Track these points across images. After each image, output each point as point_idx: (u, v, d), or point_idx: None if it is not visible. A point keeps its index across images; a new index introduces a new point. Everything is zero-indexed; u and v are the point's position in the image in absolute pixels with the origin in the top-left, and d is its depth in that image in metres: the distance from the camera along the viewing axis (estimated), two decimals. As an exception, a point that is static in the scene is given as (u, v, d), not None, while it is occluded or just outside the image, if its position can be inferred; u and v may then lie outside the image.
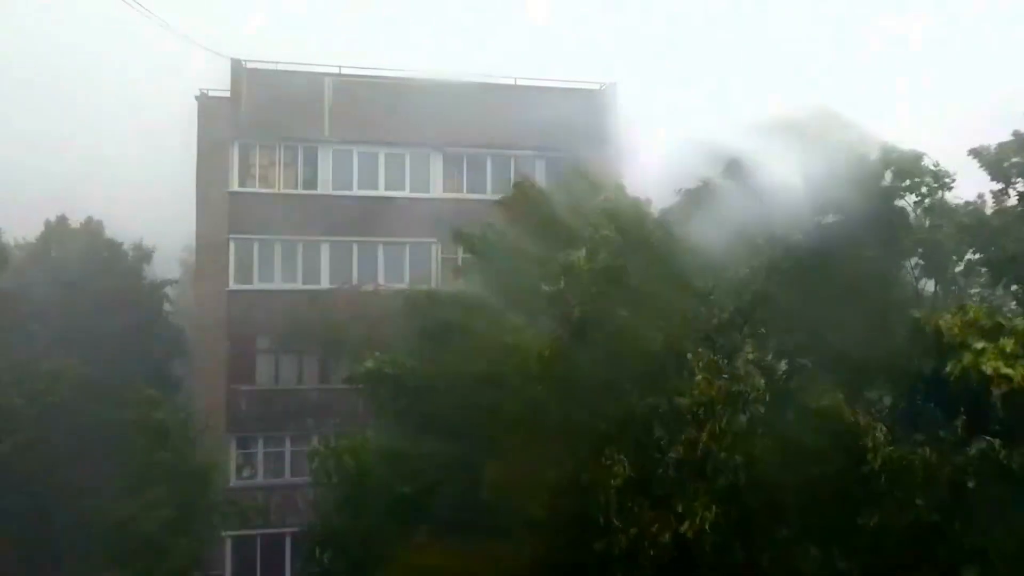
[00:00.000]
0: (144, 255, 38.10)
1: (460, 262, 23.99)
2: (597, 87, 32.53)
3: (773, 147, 17.44)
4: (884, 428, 12.75)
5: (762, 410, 13.44)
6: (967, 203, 19.66)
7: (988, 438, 12.01)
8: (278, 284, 29.65)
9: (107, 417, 27.71)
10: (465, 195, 30.82)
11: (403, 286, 28.23)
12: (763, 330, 15.76)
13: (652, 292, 14.88)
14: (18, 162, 42.14)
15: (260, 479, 29.30)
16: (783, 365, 15.59)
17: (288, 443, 29.20)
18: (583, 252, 14.87)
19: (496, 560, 13.76)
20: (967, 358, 11.77)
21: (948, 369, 11.99)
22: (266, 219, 29.53)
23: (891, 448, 12.49)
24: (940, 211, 19.07)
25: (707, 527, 12.26)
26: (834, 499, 12.86)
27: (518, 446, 14.17)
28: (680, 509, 12.46)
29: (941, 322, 12.63)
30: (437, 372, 17.29)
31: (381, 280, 29.53)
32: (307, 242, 29.92)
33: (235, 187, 29.94)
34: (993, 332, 12.15)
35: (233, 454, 29.17)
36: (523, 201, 18.95)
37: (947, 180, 19.04)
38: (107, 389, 29.34)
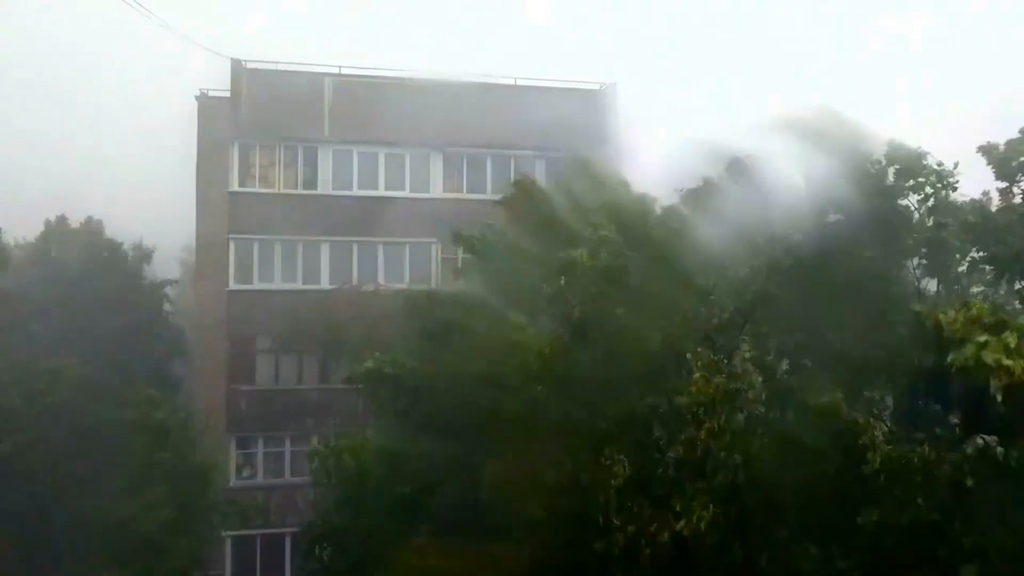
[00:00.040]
0: (144, 255, 38.13)
1: (460, 262, 23.99)
2: (597, 87, 32.54)
3: (774, 146, 17.43)
4: (883, 426, 12.75)
5: (761, 409, 13.43)
6: (973, 200, 19.63)
7: (984, 436, 11.99)
8: (278, 284, 29.64)
9: (107, 417, 27.73)
10: (465, 195, 30.82)
11: (403, 286, 28.25)
12: (764, 329, 15.75)
13: (653, 291, 14.88)
14: (18, 162, 42.19)
15: (260, 479, 29.30)
16: (784, 364, 15.58)
17: (288, 443, 29.20)
18: (584, 251, 14.85)
19: (496, 560, 13.75)
20: (969, 350, 11.74)
21: (950, 359, 11.96)
22: (266, 219, 29.54)
23: (890, 447, 12.48)
24: (944, 210, 19.01)
25: (705, 526, 12.24)
26: (833, 498, 12.85)
27: (518, 446, 14.17)
28: (678, 508, 12.45)
29: (942, 316, 12.62)
30: (437, 372, 17.28)
31: (381, 280, 29.53)
32: (307, 242, 29.91)
33: (235, 187, 29.94)
34: (996, 328, 12.13)
35: (233, 454, 29.17)
36: (524, 199, 18.93)
37: (950, 180, 19.01)
38: (107, 389, 29.36)
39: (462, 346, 16.71)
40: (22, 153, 44.53)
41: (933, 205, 18.99)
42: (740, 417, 12.98)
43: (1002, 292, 18.85)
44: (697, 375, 13.06)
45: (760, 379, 13.13)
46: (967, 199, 19.61)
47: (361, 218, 29.90)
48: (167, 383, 32.51)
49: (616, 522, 12.75)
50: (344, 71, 30.73)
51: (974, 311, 12.46)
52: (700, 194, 17.42)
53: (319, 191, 30.32)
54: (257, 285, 29.55)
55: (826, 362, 14.99)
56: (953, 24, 70.04)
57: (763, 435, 13.18)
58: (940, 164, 19.00)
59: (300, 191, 30.36)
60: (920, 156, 18.84)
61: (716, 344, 14.62)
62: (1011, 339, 11.73)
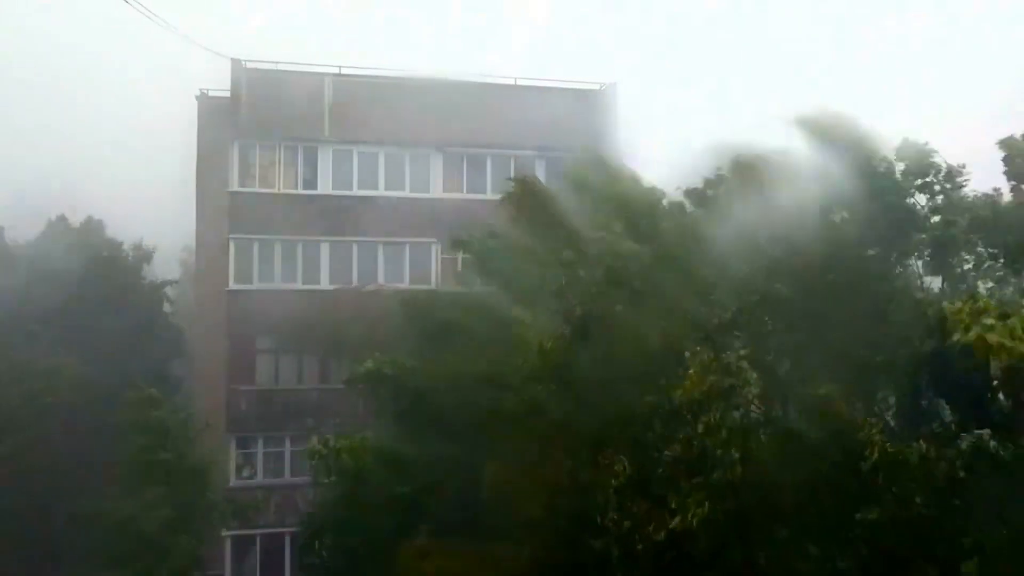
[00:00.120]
0: (144, 255, 38.06)
1: (460, 263, 24.00)
2: (597, 87, 32.55)
3: (777, 145, 17.38)
4: (880, 423, 12.75)
5: (758, 406, 13.43)
6: (985, 195, 19.60)
7: (978, 431, 12.04)
8: (278, 284, 29.64)
9: (107, 417, 27.68)
10: (465, 195, 30.83)
11: (403, 286, 28.29)
12: (766, 328, 15.74)
13: (657, 289, 14.87)
14: (18, 162, 42.14)
15: (260, 479, 29.31)
16: (786, 364, 15.56)
17: (288, 443, 29.20)
18: (588, 248, 14.87)
19: (496, 560, 13.76)
20: (972, 331, 11.81)
21: (954, 339, 11.99)
22: (266, 219, 29.55)
23: (887, 443, 12.49)
24: (953, 207, 18.94)
25: (700, 522, 12.23)
26: (832, 495, 12.86)
27: (518, 446, 14.18)
28: (674, 505, 12.44)
29: (948, 306, 12.66)
30: (437, 372, 17.29)
31: (381, 280, 29.53)
32: (307, 242, 29.92)
33: (235, 187, 29.95)
34: (1002, 317, 12.17)
35: (233, 454, 29.19)
36: (527, 196, 18.91)
37: (958, 179, 18.95)
38: (107, 389, 29.29)
39: (462, 346, 16.73)
40: (22, 152, 44.53)
41: (942, 203, 18.92)
42: (736, 415, 12.96)
43: (1009, 291, 18.80)
44: (691, 370, 13.05)
45: (755, 376, 13.09)
46: (983, 192, 19.57)
47: (361, 218, 29.93)
48: (167, 383, 32.43)
49: (614, 516, 12.74)
50: (344, 71, 30.75)
51: (980, 304, 12.50)
52: (703, 192, 17.40)
53: (319, 191, 30.34)
54: (257, 285, 29.56)
55: (827, 361, 14.97)
56: (953, 24, 70.07)
57: (760, 432, 13.18)
58: (953, 166, 18.95)
59: (300, 191, 30.38)
60: (929, 154, 18.76)
61: (716, 343, 14.61)
62: (1017, 325, 11.79)
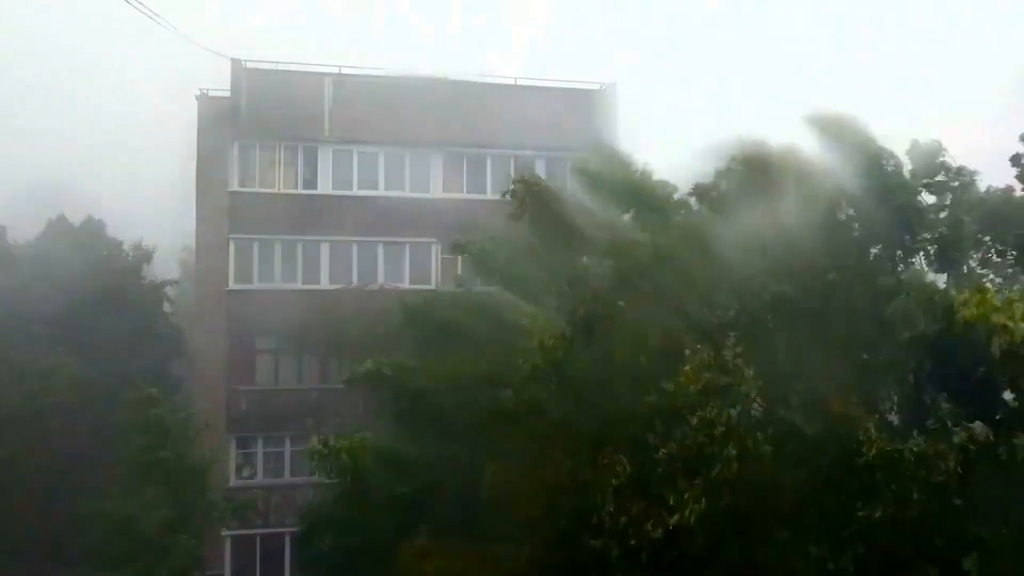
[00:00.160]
0: (144, 255, 38.11)
1: (460, 264, 23.99)
2: (597, 87, 32.55)
3: (780, 143, 17.32)
4: (879, 420, 12.76)
5: (755, 403, 13.42)
6: (998, 190, 19.58)
7: (968, 424, 12.11)
8: (278, 284, 29.63)
9: (107, 417, 27.70)
10: (465, 195, 30.82)
11: (403, 286, 28.29)
12: (768, 327, 15.71)
13: (661, 288, 14.84)
14: (18, 161, 42.19)
15: (260, 479, 29.30)
16: (785, 362, 15.54)
17: (288, 443, 29.18)
18: (596, 242, 14.87)
19: (495, 560, 13.75)
20: (977, 311, 11.96)
21: (957, 316, 12.08)
22: (266, 219, 29.53)
23: (884, 440, 12.49)
24: (960, 205, 18.87)
25: (698, 520, 12.22)
26: (830, 493, 12.86)
27: (518, 446, 14.17)
28: (672, 502, 12.43)
29: (956, 295, 12.76)
30: (437, 372, 17.29)
31: (381, 280, 29.53)
32: (307, 242, 29.91)
33: (235, 187, 29.94)
34: (1007, 304, 12.29)
35: (233, 454, 29.17)
36: (530, 195, 18.87)
37: (966, 178, 18.89)
38: (106, 389, 29.33)
39: (462, 346, 16.73)
40: (22, 152, 44.57)
41: (951, 201, 18.87)
42: (733, 412, 12.93)
43: (1016, 287, 18.75)
44: (687, 367, 13.05)
45: (751, 373, 13.07)
46: (1000, 188, 19.58)
47: (361, 218, 29.91)
48: (167, 383, 32.49)
49: (610, 509, 12.74)
50: (344, 71, 30.75)
51: (988, 296, 12.57)
52: (715, 186, 17.32)
53: (319, 191, 30.33)
54: (257, 285, 29.54)
55: (828, 359, 14.95)
56: (953, 24, 70.10)
57: (758, 430, 13.16)
58: (970, 170, 18.89)
59: (300, 191, 30.36)
60: (939, 152, 18.69)
61: (717, 343, 14.58)
62: (1020, 308, 11.93)
